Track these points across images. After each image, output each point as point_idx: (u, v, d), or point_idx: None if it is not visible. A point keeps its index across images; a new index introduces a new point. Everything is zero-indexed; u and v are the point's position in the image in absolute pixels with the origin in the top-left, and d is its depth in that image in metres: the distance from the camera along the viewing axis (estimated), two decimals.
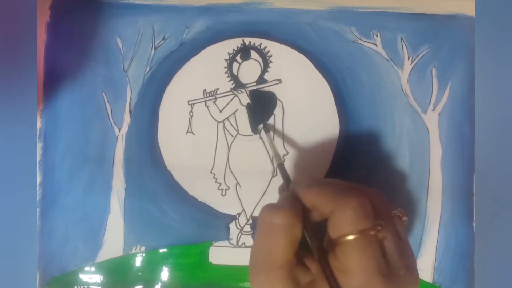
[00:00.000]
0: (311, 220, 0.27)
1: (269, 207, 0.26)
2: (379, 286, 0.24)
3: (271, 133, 0.35)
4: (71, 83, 0.36)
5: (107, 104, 0.36)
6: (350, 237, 0.24)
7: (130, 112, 0.36)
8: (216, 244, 0.35)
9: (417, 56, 0.35)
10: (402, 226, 0.28)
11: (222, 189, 0.35)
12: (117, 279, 0.35)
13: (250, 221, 0.35)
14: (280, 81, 0.36)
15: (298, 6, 0.36)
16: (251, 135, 0.35)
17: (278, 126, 0.35)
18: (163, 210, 0.35)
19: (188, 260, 0.35)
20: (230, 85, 0.36)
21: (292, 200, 0.27)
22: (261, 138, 0.35)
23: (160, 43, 0.36)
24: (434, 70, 0.35)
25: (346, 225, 0.24)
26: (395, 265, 0.25)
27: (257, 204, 0.35)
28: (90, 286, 0.35)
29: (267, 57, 0.36)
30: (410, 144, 0.35)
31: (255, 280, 0.26)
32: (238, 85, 0.36)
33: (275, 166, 0.31)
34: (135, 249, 0.35)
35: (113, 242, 0.35)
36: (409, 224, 0.35)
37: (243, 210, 0.35)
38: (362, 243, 0.24)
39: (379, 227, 0.25)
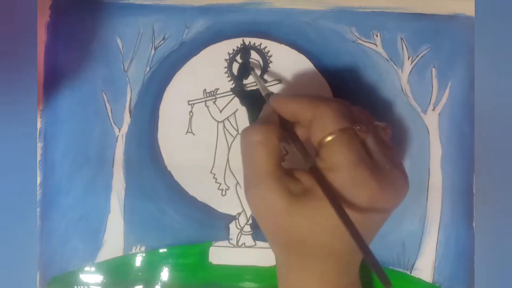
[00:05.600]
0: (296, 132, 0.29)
1: (245, 128, 0.28)
2: (367, 178, 0.25)
3: (256, 71, 0.35)
4: (71, 83, 0.36)
5: (107, 104, 0.36)
6: (332, 136, 0.25)
7: (130, 112, 0.36)
8: (216, 244, 0.35)
9: (417, 56, 0.35)
10: (386, 135, 0.29)
11: (222, 189, 0.35)
12: (117, 279, 0.35)
13: (250, 221, 0.35)
14: (280, 81, 0.36)
15: (298, 6, 0.36)
16: None
17: None
18: (163, 210, 0.35)
19: (188, 260, 0.35)
20: (230, 85, 0.36)
21: (267, 115, 0.29)
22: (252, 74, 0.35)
23: (160, 43, 0.36)
24: (434, 70, 0.35)
25: (327, 126, 0.26)
26: (380, 161, 0.26)
27: None
28: (90, 286, 0.35)
29: (267, 57, 0.36)
30: (410, 144, 0.35)
31: (248, 197, 0.28)
32: (238, 85, 0.36)
33: (264, 95, 0.32)
34: (135, 249, 0.35)
35: (113, 242, 0.35)
36: (409, 224, 0.35)
37: (243, 210, 0.35)
38: (343, 139, 0.25)
39: (358, 127, 0.26)
